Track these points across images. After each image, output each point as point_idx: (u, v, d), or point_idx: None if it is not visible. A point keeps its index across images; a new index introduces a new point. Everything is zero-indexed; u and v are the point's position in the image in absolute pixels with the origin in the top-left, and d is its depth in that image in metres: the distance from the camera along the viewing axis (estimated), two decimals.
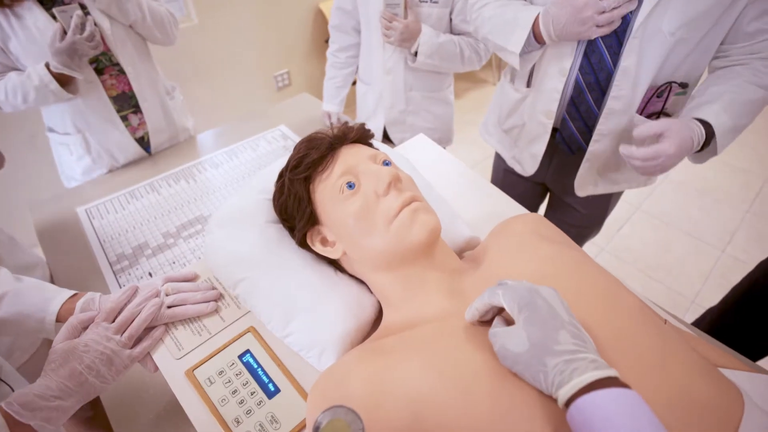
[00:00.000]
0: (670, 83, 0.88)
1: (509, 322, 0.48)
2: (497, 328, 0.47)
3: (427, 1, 1.24)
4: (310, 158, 0.61)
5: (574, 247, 0.69)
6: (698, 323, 1.22)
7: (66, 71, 1.08)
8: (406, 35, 1.23)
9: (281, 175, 0.67)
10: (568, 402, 0.39)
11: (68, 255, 1.06)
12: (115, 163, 1.34)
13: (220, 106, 2.46)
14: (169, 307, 0.66)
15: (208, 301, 0.70)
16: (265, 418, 0.61)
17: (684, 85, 0.88)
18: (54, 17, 1.06)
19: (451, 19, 1.29)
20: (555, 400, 0.43)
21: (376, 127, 1.49)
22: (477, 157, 2.63)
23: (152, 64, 1.32)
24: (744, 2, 0.78)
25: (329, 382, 0.52)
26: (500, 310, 0.50)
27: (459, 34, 1.31)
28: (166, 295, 0.66)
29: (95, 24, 1.09)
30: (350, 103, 1.64)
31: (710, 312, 1.20)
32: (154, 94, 1.32)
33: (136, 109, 1.30)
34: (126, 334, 0.63)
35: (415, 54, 1.28)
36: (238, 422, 0.61)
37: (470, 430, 0.44)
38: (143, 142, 1.36)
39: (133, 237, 1.11)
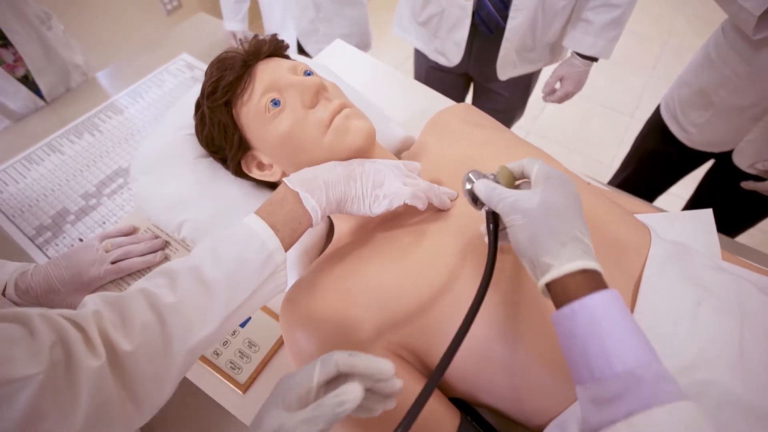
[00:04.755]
0: None
1: None
2: (504, 190, 0.43)
3: None
4: (226, 80, 0.56)
5: (504, 129, 0.73)
6: (611, 182, 1.38)
7: None
8: None
9: (199, 105, 0.62)
10: (553, 286, 0.37)
11: None
12: (6, 112, 1.15)
13: (102, 42, 2.13)
14: (113, 263, 0.63)
15: (155, 251, 0.68)
16: (243, 344, 0.64)
17: None
18: None
19: None
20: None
21: (288, 41, 1.38)
22: (398, 59, 2.55)
23: None
24: None
25: (298, 295, 0.54)
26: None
27: None
28: (106, 252, 0.63)
29: None
30: (255, 17, 1.48)
31: (619, 171, 1.36)
32: (26, 25, 1.10)
33: (5, 42, 1.08)
34: None
35: None
36: (217, 354, 0.63)
37: (425, 303, 0.49)
38: (28, 82, 1.16)
39: (48, 205, 1.01)
